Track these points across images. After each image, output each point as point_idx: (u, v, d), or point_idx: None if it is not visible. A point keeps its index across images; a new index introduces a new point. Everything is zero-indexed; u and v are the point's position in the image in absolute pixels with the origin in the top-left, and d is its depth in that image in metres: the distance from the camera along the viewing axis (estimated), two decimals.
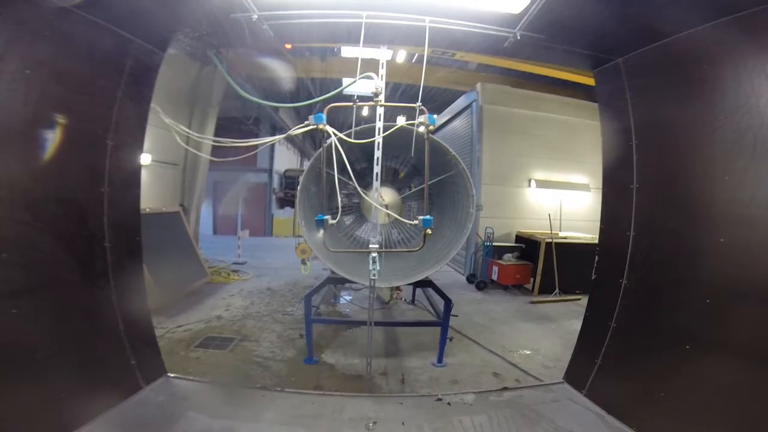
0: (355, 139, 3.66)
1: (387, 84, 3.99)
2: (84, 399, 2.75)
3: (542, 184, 9.47)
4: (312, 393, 3.59)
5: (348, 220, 5.25)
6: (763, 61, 2.33)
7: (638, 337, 3.11)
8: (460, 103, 10.40)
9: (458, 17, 3.15)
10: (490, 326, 6.07)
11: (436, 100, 12.35)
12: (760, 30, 2.32)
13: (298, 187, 4.20)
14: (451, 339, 4.86)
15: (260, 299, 7.07)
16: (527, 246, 8.60)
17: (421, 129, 3.55)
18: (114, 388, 3.03)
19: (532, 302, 7.58)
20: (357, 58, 3.81)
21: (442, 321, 4.56)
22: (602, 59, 3.41)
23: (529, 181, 9.47)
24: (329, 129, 3.36)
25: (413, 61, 8.01)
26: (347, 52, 4.46)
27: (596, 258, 3.64)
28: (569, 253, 7.92)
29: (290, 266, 9.76)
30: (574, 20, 2.90)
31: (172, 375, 3.57)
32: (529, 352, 5.07)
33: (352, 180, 3.45)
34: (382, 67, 3.68)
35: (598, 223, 3.67)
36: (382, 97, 3.66)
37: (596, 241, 3.71)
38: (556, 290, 7.87)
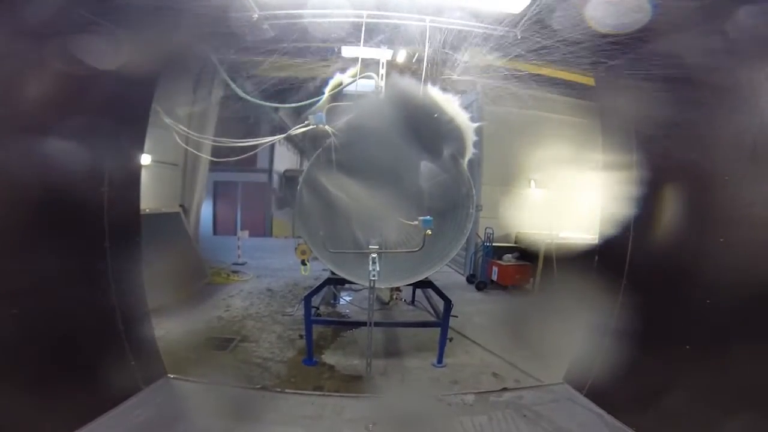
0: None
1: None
2: (83, 400, 2.75)
3: (542, 184, 9.45)
4: (312, 394, 3.58)
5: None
6: (763, 61, 2.33)
7: (638, 337, 3.10)
8: (460, 103, 10.37)
9: (459, 17, 3.15)
10: (490, 327, 6.06)
11: None
12: (760, 30, 2.32)
13: (298, 187, 4.20)
14: (451, 339, 4.85)
15: (260, 300, 7.07)
16: (527, 246, 8.59)
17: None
18: (114, 389, 3.02)
19: (532, 303, 7.57)
20: (357, 58, 3.81)
21: (442, 321, 4.56)
22: (602, 59, 3.41)
23: (529, 181, 9.45)
24: (329, 129, 3.37)
25: (414, 60, 8.00)
26: (347, 51, 4.45)
27: (596, 258, 3.64)
28: (569, 253, 7.90)
29: (290, 267, 9.74)
30: (575, 20, 2.90)
31: (171, 376, 3.57)
32: (529, 353, 5.06)
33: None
34: (383, 67, 3.68)
35: (598, 224, 3.67)
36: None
37: (596, 242, 3.71)
38: (556, 291, 7.85)
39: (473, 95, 9.52)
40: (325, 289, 5.25)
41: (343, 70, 4.09)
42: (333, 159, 3.59)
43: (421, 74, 3.81)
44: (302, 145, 18.65)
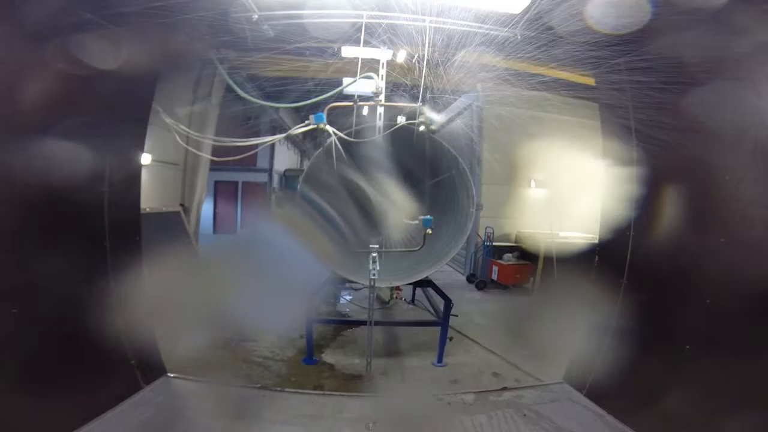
0: (355, 138, 3.67)
1: (387, 84, 4.00)
2: (83, 399, 2.75)
3: (542, 184, 9.44)
4: (312, 393, 3.59)
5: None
6: (763, 60, 2.32)
7: (638, 337, 3.10)
8: (460, 103, 10.37)
9: (459, 17, 3.15)
10: (490, 326, 6.07)
11: None
12: (760, 29, 2.32)
13: (299, 187, 4.21)
14: (451, 339, 4.86)
15: None
16: (527, 246, 8.59)
17: (422, 128, 3.56)
18: (114, 389, 3.02)
19: (532, 302, 7.58)
20: (357, 58, 3.81)
21: (442, 321, 4.56)
22: (602, 59, 3.40)
23: (530, 180, 9.44)
24: (330, 128, 3.37)
25: (414, 60, 7.99)
26: (347, 52, 4.46)
27: (596, 258, 3.64)
28: (569, 253, 7.90)
29: None
30: (574, 20, 2.89)
31: (172, 375, 3.57)
32: (529, 352, 5.06)
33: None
34: (383, 67, 3.68)
35: (598, 223, 3.67)
36: (382, 97, 3.67)
37: (596, 241, 3.71)
38: (556, 290, 7.85)
39: (473, 95, 9.51)
40: (325, 289, 5.26)
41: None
42: (333, 159, 3.59)
43: (421, 74, 3.81)
44: (302, 145, 18.69)
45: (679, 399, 2.69)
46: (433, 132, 4.03)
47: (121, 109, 3.05)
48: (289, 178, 16.25)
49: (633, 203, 3.24)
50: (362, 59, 3.76)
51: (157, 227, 6.58)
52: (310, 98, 4.10)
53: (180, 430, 2.82)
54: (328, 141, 3.67)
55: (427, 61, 3.58)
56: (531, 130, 9.39)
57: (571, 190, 9.59)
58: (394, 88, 4.90)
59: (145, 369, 3.30)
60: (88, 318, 2.92)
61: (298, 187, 4.23)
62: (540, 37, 3.18)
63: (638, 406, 2.95)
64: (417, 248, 4.08)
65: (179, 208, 7.67)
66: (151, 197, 6.79)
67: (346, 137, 3.64)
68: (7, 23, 2.24)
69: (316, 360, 4.54)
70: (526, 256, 8.48)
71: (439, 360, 4.58)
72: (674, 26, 2.68)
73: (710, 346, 2.57)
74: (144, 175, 3.60)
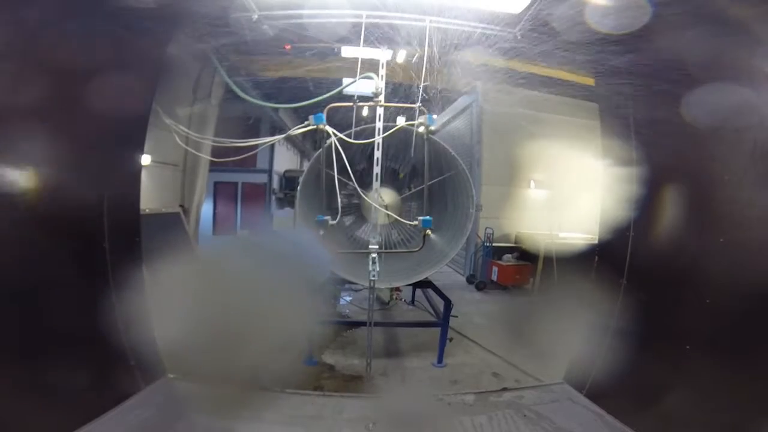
0: (354, 139, 3.67)
1: (387, 84, 4.00)
2: (83, 400, 2.74)
3: (542, 184, 9.44)
4: (312, 393, 3.58)
5: (348, 220, 5.25)
6: (763, 60, 2.33)
7: (638, 337, 3.10)
8: (460, 103, 10.38)
9: (459, 17, 3.16)
10: (490, 326, 6.06)
11: None
12: (760, 29, 2.32)
13: (298, 188, 4.20)
14: (451, 339, 4.86)
15: None
16: (527, 246, 8.59)
17: (421, 129, 3.56)
18: (114, 389, 3.02)
19: (532, 302, 7.58)
20: (357, 58, 3.81)
21: (442, 321, 4.56)
22: (602, 59, 3.40)
23: (529, 181, 9.44)
24: (329, 129, 3.37)
25: (414, 60, 7.99)
26: (347, 52, 4.47)
27: (596, 258, 3.64)
28: (569, 253, 7.90)
29: None
30: (574, 20, 2.90)
31: (171, 376, 3.56)
32: (528, 353, 5.06)
33: (352, 180, 3.46)
34: (382, 67, 3.68)
35: (598, 224, 3.67)
36: (382, 98, 3.67)
37: (596, 242, 3.71)
38: (556, 291, 7.85)
39: (473, 95, 9.53)
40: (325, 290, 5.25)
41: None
42: (333, 159, 3.59)
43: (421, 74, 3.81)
44: (302, 146, 18.68)
45: (679, 399, 2.69)
46: (432, 133, 4.03)
47: (121, 109, 3.05)
48: (289, 179, 16.25)
49: (633, 203, 3.24)
50: (362, 59, 3.76)
51: (157, 228, 6.57)
52: (309, 98, 4.10)
53: (180, 430, 2.82)
54: (328, 142, 3.67)
55: (427, 60, 3.59)
56: (531, 130, 9.39)
57: (571, 190, 9.59)
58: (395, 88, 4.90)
59: (144, 369, 3.29)
60: (88, 318, 2.92)
61: (298, 188, 4.23)
62: (540, 37, 3.18)
63: (638, 406, 2.94)
64: (417, 249, 4.08)
65: (179, 209, 7.65)
66: (150, 198, 6.77)
67: (345, 138, 3.64)
68: (7, 23, 2.24)
69: (315, 361, 4.53)
70: (525, 256, 8.48)
71: (439, 360, 4.58)
72: (674, 26, 2.69)
73: (710, 346, 2.57)
74: (143, 176, 3.59)
